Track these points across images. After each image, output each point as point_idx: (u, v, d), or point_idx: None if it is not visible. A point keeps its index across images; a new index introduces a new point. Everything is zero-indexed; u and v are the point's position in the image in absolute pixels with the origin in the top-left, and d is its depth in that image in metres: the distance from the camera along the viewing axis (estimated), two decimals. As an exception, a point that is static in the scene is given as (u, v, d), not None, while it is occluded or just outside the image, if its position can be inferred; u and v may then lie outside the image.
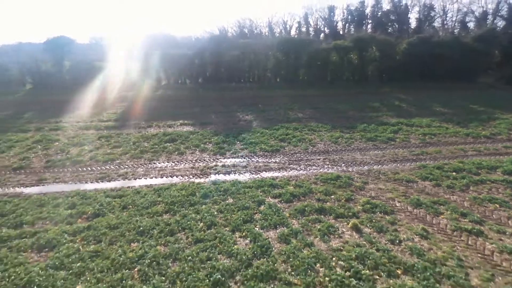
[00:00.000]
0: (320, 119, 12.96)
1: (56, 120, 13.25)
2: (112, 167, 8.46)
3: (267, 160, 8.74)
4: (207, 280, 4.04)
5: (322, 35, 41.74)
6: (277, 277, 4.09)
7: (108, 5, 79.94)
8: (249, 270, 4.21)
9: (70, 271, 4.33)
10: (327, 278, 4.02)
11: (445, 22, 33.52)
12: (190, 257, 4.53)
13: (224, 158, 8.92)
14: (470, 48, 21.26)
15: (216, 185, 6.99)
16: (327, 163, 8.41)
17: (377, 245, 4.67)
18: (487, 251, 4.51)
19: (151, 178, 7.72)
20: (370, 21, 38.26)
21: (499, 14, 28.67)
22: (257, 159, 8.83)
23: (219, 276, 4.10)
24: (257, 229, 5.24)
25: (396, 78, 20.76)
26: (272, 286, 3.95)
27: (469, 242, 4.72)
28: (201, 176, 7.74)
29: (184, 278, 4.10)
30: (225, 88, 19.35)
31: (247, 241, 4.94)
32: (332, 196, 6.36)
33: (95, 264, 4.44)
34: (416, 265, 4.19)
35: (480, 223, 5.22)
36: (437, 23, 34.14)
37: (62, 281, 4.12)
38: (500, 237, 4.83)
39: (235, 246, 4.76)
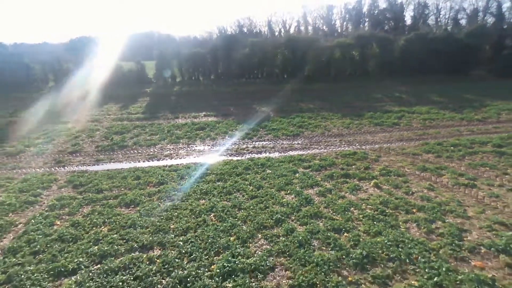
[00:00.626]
0: (330, 109, 14.30)
1: (89, 114, 14.43)
2: (155, 150, 9.72)
3: (290, 142, 10.06)
4: (270, 220, 5.34)
5: (320, 33, 43.04)
6: (322, 216, 5.41)
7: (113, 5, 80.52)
8: (300, 213, 5.53)
9: (160, 217, 5.59)
10: (360, 215, 5.35)
11: (438, 19, 35.15)
12: (251, 206, 5.83)
13: (252, 142, 10.21)
14: (462, 43, 22.77)
15: (253, 161, 8.28)
16: (343, 143, 9.76)
17: (395, 195, 6.03)
18: (479, 196, 5.88)
19: (194, 157, 8.99)
20: (367, 19, 39.71)
21: (489, 11, 30.32)
22: (282, 141, 10.15)
23: (279, 216, 5.41)
24: (298, 188, 6.56)
25: (395, 72, 22.20)
26: (320, 221, 5.27)
27: (466, 192, 6.10)
28: (237, 155, 9.04)
29: (252, 219, 5.40)
30: (236, 83, 20.64)
31: (292, 196, 6.25)
32: (353, 166, 7.70)
33: (178, 213, 5.72)
34: (426, 205, 5.55)
35: (474, 179, 6.60)
36: (431, 21, 35.76)
37: (157, 223, 5.40)
38: (489, 188, 6.21)
39: (284, 199, 6.08)
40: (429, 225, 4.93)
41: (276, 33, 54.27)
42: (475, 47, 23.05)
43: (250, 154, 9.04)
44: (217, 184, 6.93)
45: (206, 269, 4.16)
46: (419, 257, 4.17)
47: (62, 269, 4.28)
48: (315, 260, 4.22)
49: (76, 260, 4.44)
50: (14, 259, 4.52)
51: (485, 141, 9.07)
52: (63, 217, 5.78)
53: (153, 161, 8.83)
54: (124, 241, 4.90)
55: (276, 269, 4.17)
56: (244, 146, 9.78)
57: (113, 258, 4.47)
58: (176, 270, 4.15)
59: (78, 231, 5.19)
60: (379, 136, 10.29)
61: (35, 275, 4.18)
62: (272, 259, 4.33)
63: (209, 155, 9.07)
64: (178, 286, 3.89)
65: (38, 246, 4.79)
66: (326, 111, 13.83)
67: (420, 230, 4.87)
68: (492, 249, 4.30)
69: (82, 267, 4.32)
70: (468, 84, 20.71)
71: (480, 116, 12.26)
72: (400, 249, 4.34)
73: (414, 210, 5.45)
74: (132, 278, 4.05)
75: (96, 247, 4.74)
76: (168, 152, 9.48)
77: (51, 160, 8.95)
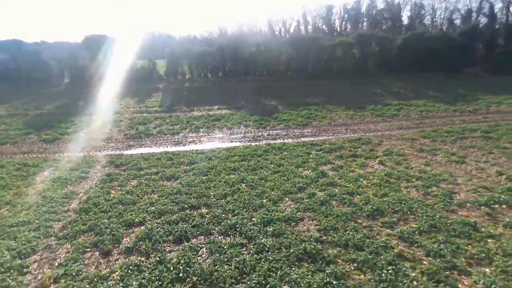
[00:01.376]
0: (334, 102, 15.38)
1: (110, 107, 15.42)
2: (179, 137, 10.74)
3: (301, 130, 11.14)
4: (294, 187, 6.40)
5: (320, 32, 44.12)
6: (337, 185, 6.48)
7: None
8: (318, 183, 6.59)
9: (199, 187, 6.63)
10: (369, 184, 6.44)
11: (434, 19, 36.40)
12: (276, 179, 6.88)
13: (266, 131, 11.27)
14: (457, 42, 23.94)
15: (270, 146, 9.34)
16: (349, 131, 10.85)
17: (397, 169, 7.12)
18: (467, 169, 7.00)
19: (215, 143, 10.03)
20: (365, 19, 40.88)
21: (482, 12, 31.57)
22: (293, 130, 11.22)
23: (301, 185, 6.48)
24: (313, 165, 7.62)
25: (393, 70, 23.34)
26: (335, 188, 6.34)
27: (456, 166, 7.21)
28: (254, 141, 10.09)
29: (278, 187, 6.45)
30: (243, 80, 21.69)
31: (309, 171, 7.32)
32: (359, 149, 8.79)
33: (214, 184, 6.75)
34: (423, 176, 6.64)
35: (463, 157, 7.72)
36: (427, 21, 36.97)
37: (199, 190, 6.43)
38: (476, 163, 7.33)
39: (303, 173, 7.15)
40: (425, 189, 6.03)
41: (276, 32, 55.22)
42: (469, 46, 24.25)
43: (266, 140, 10.09)
44: (242, 163, 7.97)
45: (249, 220, 5.21)
46: (418, 210, 5.26)
47: (131, 222, 5.32)
48: (335, 213, 5.29)
49: (140, 215, 5.48)
50: (87, 216, 5.55)
51: (475, 129, 10.20)
52: (116, 188, 6.79)
53: (179, 146, 9.85)
54: (175, 203, 5.92)
55: (304, 220, 5.23)
56: (260, 134, 10.84)
57: (170, 214, 5.51)
58: (225, 221, 5.20)
59: (133, 197, 6.21)
60: (381, 125, 11.39)
61: (111, 225, 5.21)
62: (300, 213, 5.39)
63: (229, 142, 10.10)
64: (229, 230, 4.94)
65: (105, 207, 5.82)
66: (331, 105, 14.91)
67: (418, 192, 5.96)
68: (476, 204, 5.41)
69: (147, 220, 5.36)
70: (461, 81, 21.88)
71: (471, 108, 13.42)
72: (402, 205, 5.43)
73: (413, 180, 6.54)
74: (190, 226, 5.09)
75: (153, 207, 5.76)
76: (191, 139, 10.51)
77: (87, 146, 9.95)
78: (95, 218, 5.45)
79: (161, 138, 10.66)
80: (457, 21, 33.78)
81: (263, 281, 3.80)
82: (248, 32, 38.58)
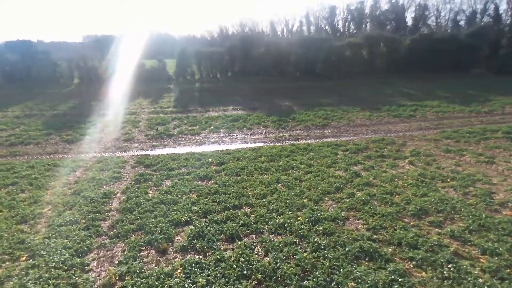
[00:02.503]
0: (347, 103, 15.49)
1: (125, 107, 15.44)
2: (200, 138, 10.79)
3: (321, 131, 11.22)
4: (331, 187, 6.47)
5: (323, 33, 44.31)
6: (373, 185, 6.56)
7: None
8: (354, 183, 6.67)
9: (236, 187, 6.67)
10: (405, 184, 6.52)
11: (438, 20, 36.69)
12: (310, 178, 6.95)
13: (286, 131, 11.35)
14: (464, 43, 24.19)
15: (295, 146, 9.41)
16: (369, 132, 10.95)
17: (429, 170, 7.22)
18: (499, 169, 7.11)
19: (239, 144, 10.09)
20: (369, 20, 41.12)
21: (487, 13, 31.88)
22: (313, 131, 11.31)
23: (338, 184, 6.56)
24: (344, 165, 7.71)
25: (401, 70, 23.54)
26: (373, 188, 6.41)
27: (487, 166, 7.32)
28: (276, 141, 10.16)
29: (315, 187, 6.52)
30: (253, 80, 21.77)
31: (341, 171, 7.40)
32: (385, 149, 8.88)
33: (250, 184, 6.81)
34: (457, 176, 6.74)
35: (492, 158, 7.83)
36: (431, 21, 37.27)
37: (236, 189, 6.49)
38: (507, 164, 7.44)
39: (336, 173, 7.23)
40: (463, 189, 6.13)
41: (279, 33, 55.35)
42: (475, 46, 24.50)
43: (288, 141, 10.17)
44: (272, 164, 8.03)
45: (295, 219, 5.28)
46: (462, 209, 5.36)
47: (178, 221, 5.37)
48: (379, 212, 5.37)
49: (185, 215, 5.53)
50: (133, 216, 5.59)
51: (495, 129, 10.33)
52: (152, 188, 6.84)
53: (202, 146, 9.91)
54: (216, 203, 5.98)
55: (350, 219, 5.31)
56: (281, 134, 10.91)
57: (215, 214, 5.57)
58: (272, 220, 5.27)
59: (173, 197, 6.26)
60: (400, 126, 11.50)
61: (159, 224, 5.26)
62: (345, 213, 5.47)
63: (252, 142, 10.17)
64: (279, 229, 5.01)
65: (147, 207, 5.87)
66: (345, 105, 15.01)
67: (457, 193, 6.06)
68: (517, 203, 5.51)
69: (193, 219, 5.42)
70: (469, 81, 22.09)
71: (486, 109, 13.57)
72: (445, 204, 5.52)
73: (448, 180, 6.64)
74: (239, 225, 5.16)
75: (195, 207, 5.82)
76: (214, 139, 10.57)
77: (111, 146, 9.99)
78: (141, 218, 5.50)
79: (183, 139, 10.71)
80: (462, 22, 34.08)
81: (328, 278, 3.87)
82: (251, 32, 38.66)
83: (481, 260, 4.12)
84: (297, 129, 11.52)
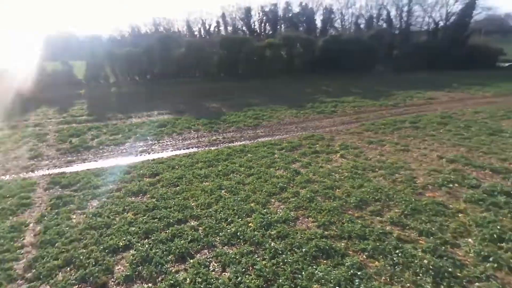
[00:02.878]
0: (274, 102, 15.91)
1: (25, 118, 13.16)
2: (125, 147, 9.79)
3: (254, 131, 11.25)
4: (276, 188, 6.45)
5: (241, 33, 45.01)
6: (314, 181, 6.75)
7: None
8: (296, 181, 6.77)
9: (177, 199, 6.19)
10: (342, 177, 6.88)
11: (343, 23, 40.64)
12: (253, 181, 6.82)
13: (219, 134, 11.06)
14: (366, 44, 27.18)
15: (231, 148, 9.22)
16: (299, 129, 11.38)
17: (359, 161, 7.77)
18: (414, 156, 8.05)
19: (170, 151, 9.45)
20: (282, 22, 43.18)
21: (381, 17, 36.52)
22: (246, 131, 11.26)
23: (281, 184, 6.58)
24: (283, 164, 7.80)
25: (317, 70, 25.30)
26: (314, 184, 6.61)
27: (404, 154, 8.22)
28: (211, 145, 9.82)
29: (259, 189, 6.42)
30: (175, 83, 20.79)
31: (281, 170, 7.46)
32: (317, 145, 9.30)
33: (191, 194, 6.37)
34: (383, 165, 7.40)
35: (406, 146, 8.84)
36: (337, 24, 41.06)
37: (178, 201, 6.00)
38: (419, 150, 8.47)
39: (277, 173, 7.26)
40: (391, 177, 6.74)
41: (196, 33, 54.33)
42: (375, 47, 27.74)
43: (223, 144, 9.92)
44: (210, 169, 7.69)
45: (247, 226, 5.08)
46: (394, 196, 5.86)
47: (115, 247, 4.69)
48: (325, 208, 5.53)
49: (123, 238, 4.87)
50: (56, 249, 4.70)
51: (403, 120, 11.76)
52: (76, 212, 5.89)
53: (129, 157, 8.99)
54: (157, 220, 5.42)
55: (299, 218, 5.34)
56: (214, 137, 10.59)
57: (158, 232, 5.03)
58: (222, 230, 4.98)
59: (104, 219, 5.47)
60: (325, 122, 12.25)
61: (92, 254, 4.51)
62: (293, 213, 5.48)
63: (185, 148, 9.63)
64: (232, 239, 4.76)
65: (74, 235, 5.01)
66: (272, 104, 15.39)
67: (386, 180, 6.62)
68: (435, 185, 6.27)
69: (134, 242, 4.80)
70: (373, 79, 24.91)
71: (392, 102, 15.41)
72: (380, 193, 5.97)
73: (377, 169, 7.24)
74: (188, 242, 4.74)
75: (134, 228, 5.18)
76: (141, 148, 9.70)
77: (12, 167, 8.35)
78: (67, 250, 4.66)
79: (105, 150, 9.57)
80: (362, 25, 38.26)
81: (292, 284, 3.78)
82: (169, 32, 37.04)
83: (420, 241, 4.53)
84: (230, 131, 11.33)
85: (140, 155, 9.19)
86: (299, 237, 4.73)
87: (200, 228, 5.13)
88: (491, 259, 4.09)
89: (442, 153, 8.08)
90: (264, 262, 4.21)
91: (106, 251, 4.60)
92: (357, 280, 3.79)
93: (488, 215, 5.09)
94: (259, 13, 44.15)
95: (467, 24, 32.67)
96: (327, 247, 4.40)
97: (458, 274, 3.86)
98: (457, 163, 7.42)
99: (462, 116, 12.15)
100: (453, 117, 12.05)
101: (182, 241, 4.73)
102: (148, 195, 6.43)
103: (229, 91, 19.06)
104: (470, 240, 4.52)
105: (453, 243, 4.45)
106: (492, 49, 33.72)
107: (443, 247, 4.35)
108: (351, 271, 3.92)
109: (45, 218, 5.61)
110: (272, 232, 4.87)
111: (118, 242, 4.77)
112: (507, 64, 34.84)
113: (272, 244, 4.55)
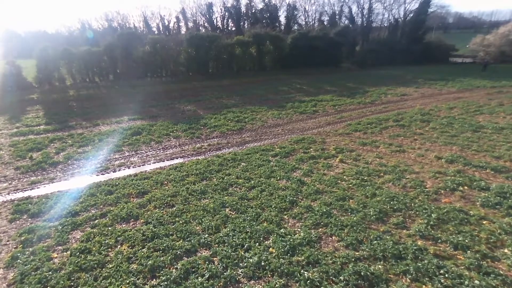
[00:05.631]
0: (252, 103, 15.36)
1: (-31, 131, 11.30)
2: (99, 161, 8.68)
3: (240, 136, 10.62)
4: (285, 202, 5.91)
5: (203, 30, 43.70)
6: (323, 191, 6.34)
7: None
8: (304, 192, 6.29)
9: (176, 223, 5.44)
10: (350, 184, 6.54)
11: (307, 20, 40.94)
12: (258, 196, 6.24)
13: (203, 141, 10.27)
14: (332, 41, 27.52)
15: (221, 157, 8.52)
16: (286, 131, 10.95)
17: (361, 166, 7.49)
18: (412, 157, 7.96)
19: (153, 162, 8.53)
20: (245, 18, 42.51)
21: (344, 14, 37.30)
22: (232, 136, 10.59)
23: (290, 198, 6.06)
24: (283, 173, 7.29)
25: (287, 67, 25.10)
26: (324, 195, 6.19)
27: (402, 155, 8.12)
28: (197, 155, 9.04)
29: (267, 205, 5.86)
30: (140, 84, 19.33)
31: (284, 180, 6.95)
32: (311, 149, 8.92)
33: (192, 215, 5.64)
34: (386, 169, 7.19)
35: (400, 146, 8.76)
36: (301, 20, 41.26)
37: (179, 228, 5.26)
38: (414, 151, 8.42)
39: (280, 184, 6.74)
40: (399, 182, 6.53)
41: (154, 29, 52.01)
42: (340, 43, 28.20)
43: (210, 152, 9.19)
44: (205, 183, 6.98)
45: (268, 252, 4.51)
46: (412, 204, 5.61)
47: (118, 295, 3.90)
48: (346, 223, 5.13)
49: (125, 281, 4.08)
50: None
51: (386, 118, 11.81)
52: (56, 248, 4.93)
53: (107, 173, 7.95)
54: (161, 251, 4.67)
55: (323, 238, 4.88)
56: (198, 145, 9.80)
57: (167, 269, 4.30)
58: (242, 261, 4.36)
59: (95, 256, 4.60)
60: (310, 123, 11.94)
61: (92, 309, 3.69)
62: (314, 231, 5.00)
63: (169, 159, 8.77)
64: (257, 271, 4.17)
65: (61, 281, 4.13)
66: (250, 105, 14.83)
67: (396, 187, 6.40)
68: (447, 189, 6.14)
69: (140, 285, 4.03)
70: (341, 74, 25.28)
71: (369, 100, 15.56)
72: (395, 202, 5.70)
73: (382, 174, 7.01)
74: (206, 278, 4.07)
75: (135, 265, 4.40)
76: (119, 161, 8.67)
77: (-38, 193, 6.97)
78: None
79: (76, 166, 8.40)
80: (326, 22, 38.82)
81: (345, 327, 3.29)
82: (113, 28, 34.58)
83: (459, 257, 4.28)
84: (213, 137, 10.59)
85: (119, 170, 8.17)
86: (331, 261, 4.27)
87: (215, 259, 4.47)
88: (536, 271, 3.94)
89: (438, 153, 8.08)
90: (303, 298, 3.69)
91: (107, 301, 3.79)
92: (415, 313, 3.41)
93: (511, 221, 5.00)
94: (221, 9, 43.08)
95: (423, 21, 34.49)
96: (368, 273, 3.98)
97: (512, 293, 3.64)
98: (456, 163, 7.42)
99: (440, 113, 12.50)
100: (431, 114, 12.35)
101: (199, 279, 4.06)
102: (142, 220, 5.60)
103: (200, 91, 18.14)
104: (506, 251, 4.36)
105: (492, 256, 4.26)
106: (445, 45, 36.00)
107: (484, 262, 4.12)
108: (404, 302, 3.53)
109: (18, 260, 4.60)
110: (300, 258, 4.36)
111: (120, 286, 3.97)
112: (460, 60, 37.38)
113: (305, 274, 4.03)
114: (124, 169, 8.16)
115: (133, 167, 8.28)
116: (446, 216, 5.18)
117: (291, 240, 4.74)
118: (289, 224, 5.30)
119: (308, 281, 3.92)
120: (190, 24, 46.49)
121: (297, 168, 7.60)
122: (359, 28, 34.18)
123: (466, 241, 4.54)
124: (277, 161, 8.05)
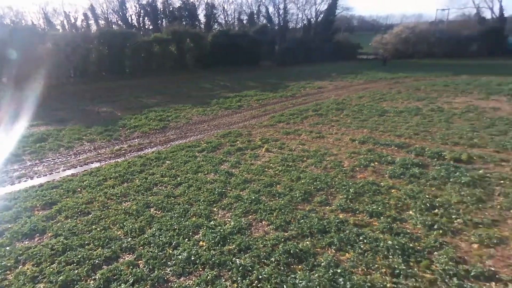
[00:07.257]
0: (175, 101, 14.80)
1: None
2: (-6, 175, 7.40)
3: (164, 135, 10.11)
4: (214, 195, 5.77)
5: (116, 28, 40.69)
6: (250, 180, 6.36)
7: None
8: (232, 183, 6.24)
9: (94, 230, 4.89)
10: (276, 171, 6.69)
11: (226, 19, 41.13)
12: (184, 192, 5.97)
13: (122, 142, 9.51)
14: (253, 39, 28.18)
15: (144, 157, 7.98)
16: (212, 127, 10.79)
17: (286, 153, 7.75)
18: (330, 141, 8.54)
19: (62, 171, 7.58)
20: (163, 16, 40.81)
21: (262, 14, 38.50)
22: (155, 136, 10.02)
23: (218, 190, 5.94)
24: (211, 167, 7.14)
25: (209, 65, 24.84)
26: (252, 184, 6.22)
27: (322, 141, 8.65)
28: (117, 157, 8.31)
29: (196, 199, 5.65)
30: (44, 86, 16.89)
31: (212, 174, 6.81)
32: (237, 142, 8.92)
33: (112, 220, 5.14)
34: (308, 154, 7.57)
35: (319, 133, 9.34)
36: (220, 19, 41.25)
37: (97, 233, 4.74)
38: (332, 135, 9.05)
39: (208, 178, 6.57)
40: (320, 164, 6.92)
41: (58, 27, 46.71)
42: (261, 42, 29.05)
43: (131, 153, 8.55)
44: (126, 186, 6.45)
45: (198, 246, 4.33)
46: (332, 183, 5.99)
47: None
48: (275, 207, 5.22)
49: (30, 305, 3.48)
50: None
51: (306, 109, 12.51)
52: None
53: (3, 187, 6.79)
54: (75, 264, 4.13)
55: (253, 224, 4.88)
56: (117, 147, 9.03)
57: (83, 282, 3.81)
58: (171, 259, 4.10)
59: (-11, 282, 3.86)
60: (235, 118, 11.98)
61: None
62: (244, 219, 4.98)
63: (82, 164, 7.90)
64: (187, 267, 3.95)
65: None
66: (174, 103, 14.27)
67: (318, 169, 6.76)
68: (361, 166, 6.72)
69: (50, 306, 3.48)
70: (263, 72, 26.09)
71: (290, 93, 16.31)
72: (318, 182, 6.01)
73: (305, 159, 7.35)
74: (131, 284, 3.72)
75: (41, 284, 3.83)
76: (18, 173, 7.48)
77: None
78: None
79: (-39, 182, 6.98)
80: (245, 21, 39.51)
81: (279, 305, 3.32)
82: (5, 25, 30.05)
83: (374, 223, 4.68)
84: (134, 137, 9.88)
85: (18, 182, 7.04)
86: (262, 245, 4.28)
87: (140, 262, 4.11)
88: (435, 226, 4.52)
89: (352, 136, 8.83)
90: (236, 285, 3.62)
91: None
92: (340, 280, 3.59)
93: (413, 187, 5.69)
94: (135, 6, 40.62)
95: (332, 22, 37.69)
96: (297, 250, 4.09)
97: (418, 247, 4.10)
98: (367, 143, 8.19)
99: (352, 101, 13.73)
100: (345, 103, 13.48)
101: (122, 286, 3.68)
102: (50, 234, 4.89)
103: (116, 91, 16.78)
104: (411, 212, 4.92)
105: (400, 219, 4.76)
106: (352, 44, 39.92)
107: (395, 225, 4.59)
108: (331, 271, 3.71)
109: None
110: (231, 247, 4.27)
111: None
112: (365, 57, 42.01)
113: (237, 262, 3.95)
114: (26, 180, 7.07)
115: (37, 177, 7.22)
116: (362, 190, 5.65)
117: (222, 230, 4.63)
118: (219, 215, 5.18)
119: (240, 268, 3.85)
120: (102, 22, 42.77)
121: (225, 160, 7.52)
122: (276, 27, 35.72)
123: (379, 208, 5.00)
124: (204, 156, 7.85)
